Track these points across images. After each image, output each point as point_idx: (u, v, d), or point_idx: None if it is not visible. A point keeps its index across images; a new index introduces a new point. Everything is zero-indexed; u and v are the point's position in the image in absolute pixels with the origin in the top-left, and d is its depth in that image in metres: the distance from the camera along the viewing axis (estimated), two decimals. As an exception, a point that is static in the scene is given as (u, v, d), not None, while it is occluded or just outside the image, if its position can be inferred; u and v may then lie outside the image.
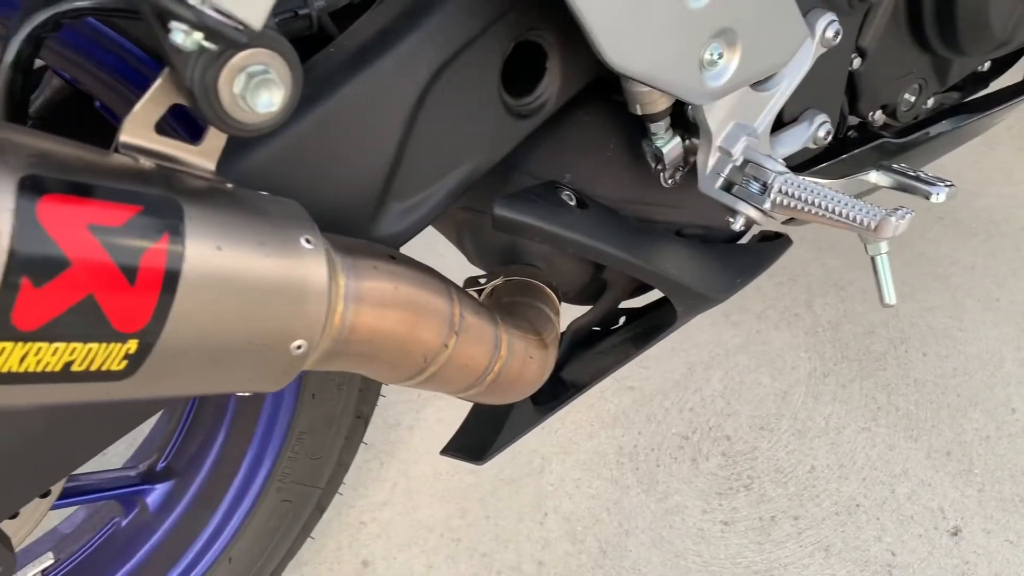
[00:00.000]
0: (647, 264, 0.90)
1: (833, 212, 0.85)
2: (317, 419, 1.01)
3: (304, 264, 0.56)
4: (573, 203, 0.90)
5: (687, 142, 0.93)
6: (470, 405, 1.45)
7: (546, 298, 0.90)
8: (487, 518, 1.33)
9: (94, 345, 0.47)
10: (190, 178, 0.54)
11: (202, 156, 0.57)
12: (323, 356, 0.60)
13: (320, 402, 1.01)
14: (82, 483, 1.00)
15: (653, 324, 1.02)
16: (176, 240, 0.50)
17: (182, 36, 0.47)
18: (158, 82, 0.55)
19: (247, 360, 0.55)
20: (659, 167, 0.93)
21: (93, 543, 1.04)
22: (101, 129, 0.87)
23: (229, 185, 0.57)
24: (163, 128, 0.55)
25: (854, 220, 0.83)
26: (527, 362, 0.78)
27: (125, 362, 0.49)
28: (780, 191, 0.88)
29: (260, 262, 0.54)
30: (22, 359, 0.45)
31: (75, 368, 0.47)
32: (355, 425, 1.05)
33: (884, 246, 0.96)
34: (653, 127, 0.90)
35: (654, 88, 0.82)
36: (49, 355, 0.46)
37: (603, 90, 0.92)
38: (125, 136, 0.54)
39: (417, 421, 1.45)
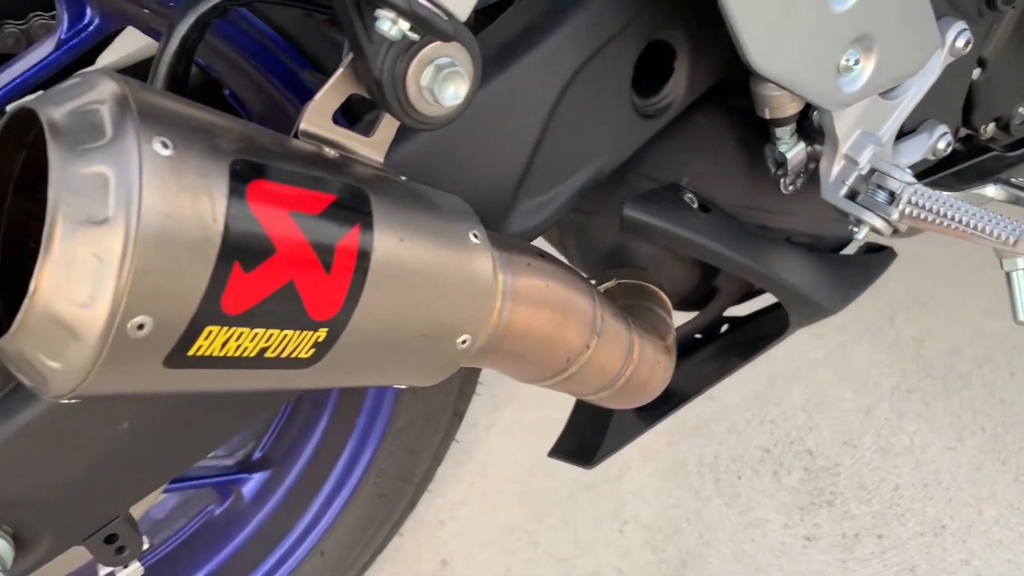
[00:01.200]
0: (769, 271, 0.89)
1: (969, 225, 0.83)
2: (417, 415, 1.02)
3: (473, 259, 0.57)
4: (695, 206, 0.89)
5: (810, 148, 0.92)
6: (547, 409, 1.45)
7: (661, 302, 0.90)
8: (565, 523, 1.33)
9: (289, 332, 0.48)
10: (370, 169, 0.55)
11: (372, 148, 0.57)
12: (478, 352, 0.60)
13: (420, 398, 1.01)
14: (181, 469, 1.01)
15: (762, 333, 1.01)
16: (366, 230, 0.50)
17: (388, 24, 0.47)
18: (339, 72, 0.55)
19: (417, 352, 0.56)
20: (780, 173, 0.92)
21: (186, 530, 1.06)
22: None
23: (402, 178, 0.57)
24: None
25: (992, 234, 0.82)
26: (655, 367, 0.78)
27: (313, 350, 0.50)
28: (910, 202, 0.87)
29: (436, 255, 0.54)
30: (224, 344, 0.46)
31: (268, 355, 0.48)
32: (452, 422, 1.06)
33: (1021, 262, 0.94)
34: (779, 131, 0.89)
35: (791, 92, 0.82)
36: (248, 340, 0.46)
37: (720, 93, 0.92)
38: (305, 124, 0.54)
39: (495, 422, 1.45)
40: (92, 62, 0.89)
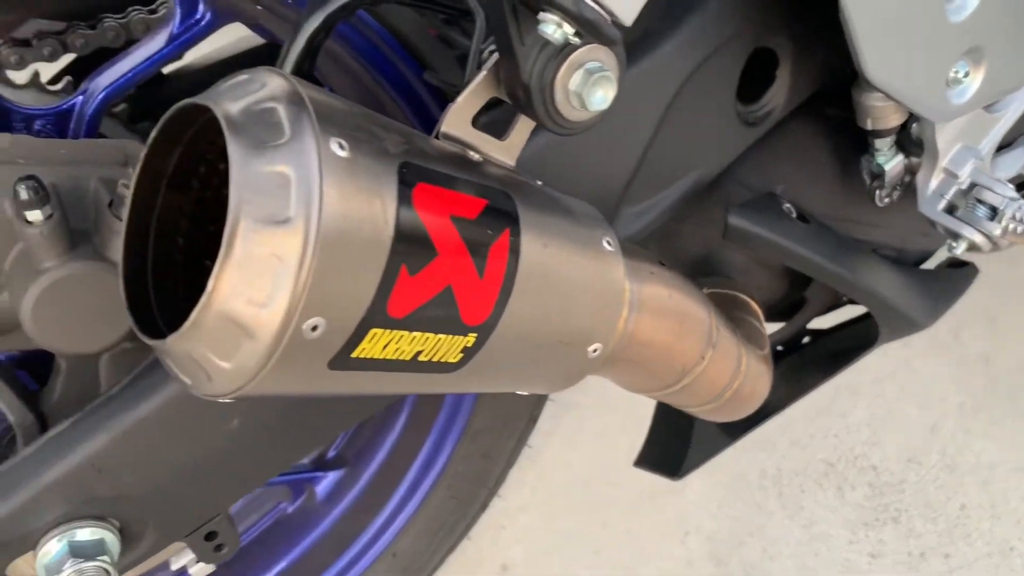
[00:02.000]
0: (866, 284, 0.88)
1: (1079, 244, 0.82)
2: (495, 418, 1.02)
3: (608, 266, 0.56)
4: (794, 216, 0.88)
5: (908, 161, 0.91)
6: (608, 416, 1.45)
7: (755, 313, 0.89)
8: (628, 532, 1.32)
9: (443, 336, 0.48)
10: (511, 173, 0.55)
11: (506, 151, 0.57)
12: (603, 361, 0.60)
13: (499, 401, 1.01)
14: (257, 466, 1.02)
15: (848, 346, 1.00)
16: (515, 235, 0.50)
17: (552, 27, 0.47)
18: (481, 76, 0.55)
19: (552, 360, 0.55)
20: (876, 184, 0.91)
21: (259, 527, 1.06)
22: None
23: (539, 182, 0.57)
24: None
25: (1105, 254, 0.81)
26: (758, 379, 0.77)
27: (461, 355, 0.50)
28: (1014, 217, 0.86)
29: (576, 261, 0.54)
30: (385, 346, 0.46)
31: (421, 358, 0.48)
32: (527, 427, 1.05)
33: None
34: (878, 143, 0.89)
35: (899, 103, 0.81)
36: (407, 344, 0.46)
37: (816, 102, 0.91)
38: (447, 127, 0.54)
39: (556, 428, 1.45)
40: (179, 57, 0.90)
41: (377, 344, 0.45)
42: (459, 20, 0.68)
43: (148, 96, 0.93)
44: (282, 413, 0.70)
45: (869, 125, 0.86)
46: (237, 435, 0.68)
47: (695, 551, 1.30)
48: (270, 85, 0.44)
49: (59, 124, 0.75)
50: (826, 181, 0.95)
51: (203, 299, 0.41)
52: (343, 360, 0.45)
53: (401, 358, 0.47)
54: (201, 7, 0.75)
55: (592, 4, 0.46)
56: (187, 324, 0.41)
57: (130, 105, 0.90)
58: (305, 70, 0.64)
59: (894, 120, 0.85)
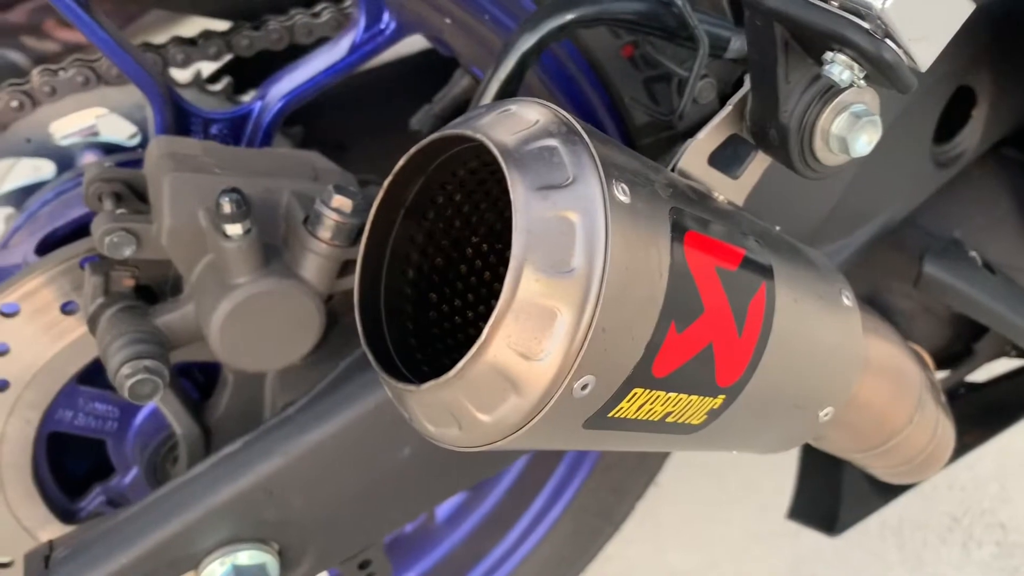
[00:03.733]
0: (1053, 342, 0.83)
1: None
2: (630, 454, 0.98)
3: (851, 324, 0.52)
4: (980, 265, 0.83)
5: (1101, 213, 0.85)
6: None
7: (927, 365, 0.84)
8: (738, 574, 1.27)
9: (694, 398, 0.44)
10: (753, 218, 0.51)
11: (737, 190, 0.53)
12: (827, 424, 0.56)
13: (636, 436, 0.97)
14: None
15: (1019, 398, 0.94)
16: (771, 289, 0.46)
17: (841, 68, 0.43)
18: (724, 112, 0.51)
19: (784, 422, 0.51)
20: (1062, 235, 0.85)
21: (375, 544, 1.03)
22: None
23: (778, 228, 0.53)
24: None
25: None
26: (948, 441, 0.72)
27: (704, 417, 0.46)
28: None
29: (823, 319, 0.50)
30: (640, 407, 0.42)
31: (668, 420, 0.44)
32: (658, 464, 1.01)
33: None
34: (1070, 192, 0.83)
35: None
36: (660, 404, 0.43)
37: (997, 145, 0.86)
38: (685, 163, 0.50)
39: (668, 462, 1.40)
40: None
41: (634, 404, 0.42)
42: (673, 40, 0.65)
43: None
44: (428, 461, 0.67)
45: (1063, 173, 0.80)
46: (407, 465, 0.66)
47: (810, 600, 1.24)
48: (544, 120, 0.40)
49: (234, 130, 0.73)
50: (1006, 227, 0.89)
51: (475, 347, 0.38)
52: (599, 420, 0.41)
53: (652, 419, 0.43)
54: (386, 16, 0.73)
55: (893, 46, 0.42)
56: (452, 373, 0.38)
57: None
58: (510, 93, 0.62)
59: (1093, 170, 0.80)
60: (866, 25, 0.42)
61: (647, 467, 1.00)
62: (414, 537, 1.03)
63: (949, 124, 0.81)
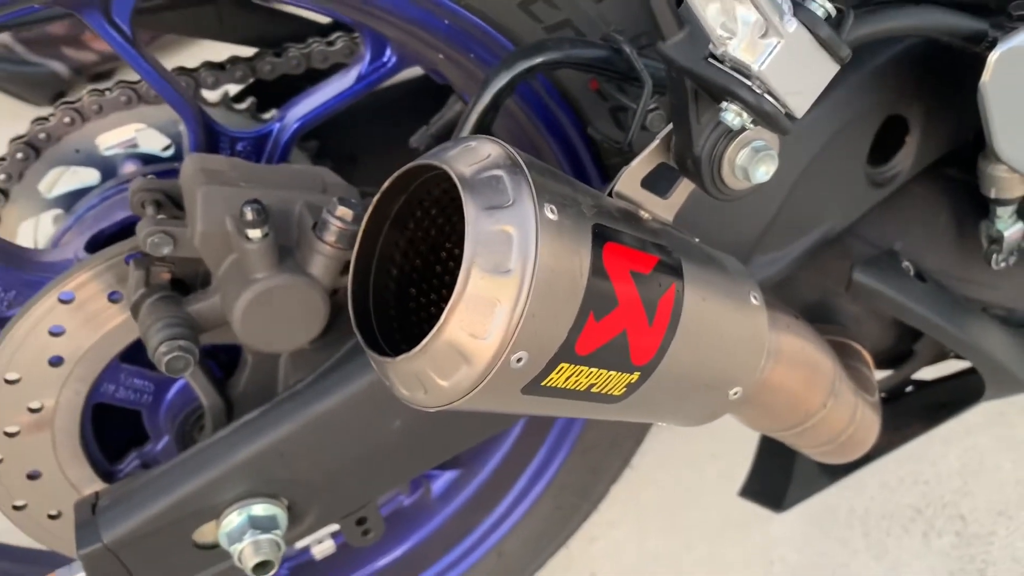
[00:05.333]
0: (978, 343, 0.93)
1: None
2: (604, 437, 1.10)
3: (755, 319, 0.64)
4: (912, 274, 0.94)
5: (1028, 229, 0.96)
6: (699, 443, 1.51)
7: (866, 362, 0.95)
8: (712, 557, 1.39)
9: (613, 373, 0.56)
10: (673, 231, 0.63)
11: (666, 209, 0.65)
12: (740, 403, 0.68)
13: (610, 423, 1.09)
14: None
15: (955, 398, 1.05)
16: (679, 290, 0.58)
17: (732, 115, 0.55)
18: (654, 145, 0.64)
19: (698, 400, 0.63)
20: (993, 248, 0.96)
21: (377, 515, 1.16)
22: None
23: (696, 239, 0.65)
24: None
25: None
26: (869, 426, 0.84)
27: (624, 389, 0.58)
28: None
29: (728, 314, 0.62)
30: (567, 378, 0.55)
31: (593, 390, 0.57)
32: (632, 448, 1.13)
33: None
34: (1000, 210, 0.94)
35: (1026, 179, 0.86)
36: (584, 377, 0.55)
37: (938, 164, 0.97)
38: (620, 187, 0.63)
39: (649, 450, 1.52)
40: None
41: (562, 376, 0.54)
42: (623, 83, 0.77)
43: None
44: (435, 420, 0.79)
45: (993, 194, 0.91)
46: (397, 435, 0.78)
47: (778, 581, 1.35)
48: (494, 155, 0.53)
49: (257, 147, 0.86)
50: (944, 241, 1.00)
51: (435, 328, 0.50)
52: (534, 387, 0.54)
53: (578, 388, 0.56)
54: (388, 51, 0.85)
55: (770, 99, 0.54)
56: (418, 348, 0.51)
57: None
58: (487, 122, 0.74)
59: (1019, 191, 0.90)
60: (748, 83, 0.54)
61: (622, 450, 1.12)
62: (412, 509, 1.16)
63: (885, 148, 0.92)
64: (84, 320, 0.81)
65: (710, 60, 0.56)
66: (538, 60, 0.71)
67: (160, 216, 0.76)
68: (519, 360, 0.51)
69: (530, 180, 0.52)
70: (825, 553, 1.39)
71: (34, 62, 1.90)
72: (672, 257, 0.59)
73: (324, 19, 1.06)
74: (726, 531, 1.42)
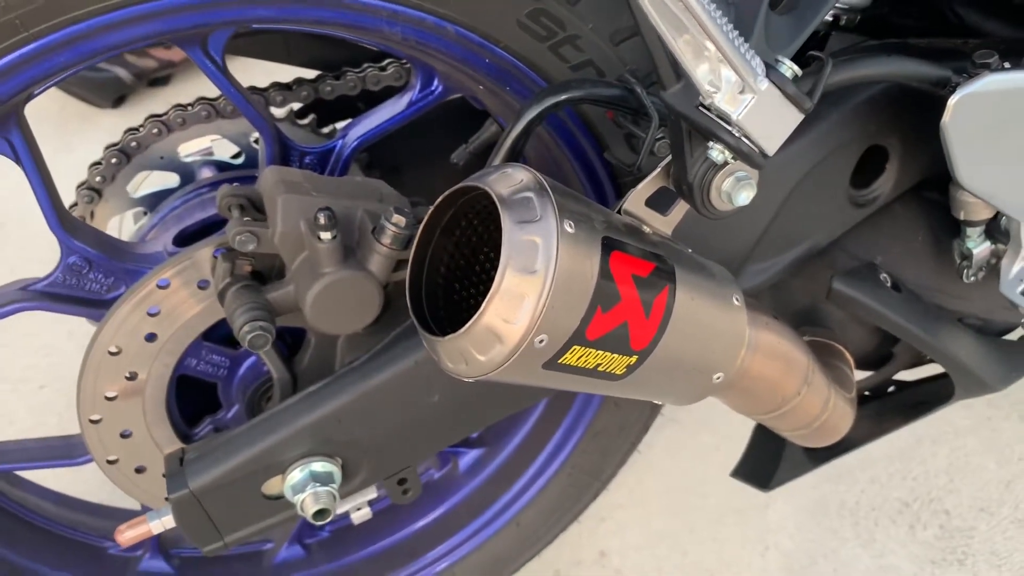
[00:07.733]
0: (945, 348, 1.07)
1: None
2: (613, 423, 1.25)
3: (734, 317, 0.79)
4: (889, 285, 1.08)
5: (995, 247, 1.09)
6: (703, 435, 1.66)
7: (847, 361, 1.09)
8: (713, 539, 1.53)
9: (616, 355, 0.71)
10: (670, 243, 0.78)
11: (666, 224, 0.80)
12: (723, 387, 0.82)
13: (621, 410, 1.24)
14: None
15: (927, 399, 1.18)
16: (672, 291, 0.73)
17: (717, 152, 0.70)
18: (656, 172, 0.79)
19: (686, 381, 0.78)
20: (964, 264, 1.10)
21: (409, 487, 1.32)
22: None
23: (689, 250, 0.80)
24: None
25: None
26: (842, 416, 0.98)
27: (625, 370, 0.73)
28: (1081, 306, 1.03)
29: (712, 312, 0.77)
30: (579, 357, 0.70)
31: (599, 368, 0.72)
32: (639, 434, 1.28)
33: None
34: (969, 231, 1.07)
35: (988, 204, 1.00)
36: (592, 357, 0.70)
37: (917, 187, 1.10)
38: (628, 205, 0.78)
39: (657, 439, 1.67)
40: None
41: (575, 356, 0.69)
42: (636, 115, 0.91)
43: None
44: (466, 397, 0.95)
45: (961, 216, 1.05)
46: (435, 407, 0.93)
47: (772, 564, 1.49)
48: (526, 180, 0.68)
49: (322, 160, 1.02)
50: (920, 256, 1.14)
51: (476, 315, 0.65)
52: (552, 364, 0.69)
53: (587, 367, 0.71)
54: (436, 81, 1.01)
55: (747, 142, 0.69)
56: (463, 329, 0.66)
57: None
58: (520, 146, 0.89)
59: (984, 214, 1.04)
60: (729, 128, 0.69)
61: (629, 435, 1.27)
62: (441, 482, 1.31)
63: (867, 173, 1.06)
64: (177, 303, 0.97)
65: (700, 108, 0.70)
66: (563, 97, 0.86)
67: (246, 218, 0.91)
68: (541, 341, 0.66)
69: (554, 201, 0.67)
70: (816, 540, 1.53)
71: (102, 68, 2.08)
72: (667, 264, 0.74)
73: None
74: (726, 517, 1.56)
